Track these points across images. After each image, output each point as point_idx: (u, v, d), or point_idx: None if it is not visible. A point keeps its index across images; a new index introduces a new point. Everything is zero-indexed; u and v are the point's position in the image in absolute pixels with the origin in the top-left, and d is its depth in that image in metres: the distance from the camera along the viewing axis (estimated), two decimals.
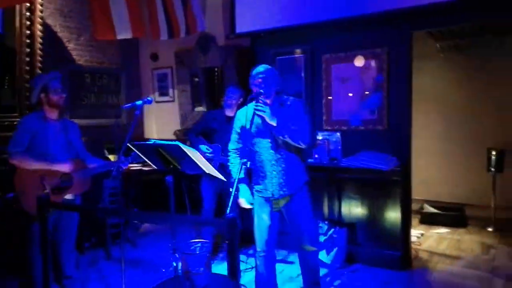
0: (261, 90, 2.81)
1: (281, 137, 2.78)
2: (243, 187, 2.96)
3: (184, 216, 3.87)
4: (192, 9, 4.98)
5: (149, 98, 3.26)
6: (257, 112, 2.72)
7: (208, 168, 2.77)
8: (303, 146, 2.79)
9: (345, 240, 3.93)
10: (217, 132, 4.02)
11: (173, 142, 2.66)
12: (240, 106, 3.96)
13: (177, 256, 2.40)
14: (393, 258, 3.79)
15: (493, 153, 4.81)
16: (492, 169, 4.82)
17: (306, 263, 3.05)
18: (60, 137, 3.21)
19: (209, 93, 6.14)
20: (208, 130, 4.08)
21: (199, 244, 1.83)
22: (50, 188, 3.04)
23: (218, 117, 4.09)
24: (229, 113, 4.03)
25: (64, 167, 3.10)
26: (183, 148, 2.58)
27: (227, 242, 1.90)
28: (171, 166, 2.81)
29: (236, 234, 2.08)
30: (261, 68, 2.90)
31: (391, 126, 3.98)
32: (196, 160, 2.66)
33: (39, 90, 3.17)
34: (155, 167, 3.03)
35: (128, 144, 2.86)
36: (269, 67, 2.92)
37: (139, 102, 3.20)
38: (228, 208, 2.43)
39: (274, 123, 2.73)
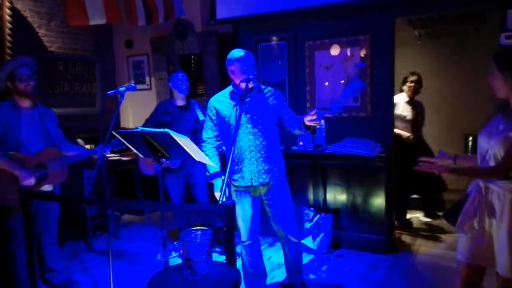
0: (250, 76, 2.77)
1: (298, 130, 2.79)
2: (219, 181, 2.87)
3: (180, 204, 3.80)
4: None
5: (132, 85, 3.17)
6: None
7: (198, 155, 2.70)
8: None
9: (331, 226, 3.96)
10: (172, 124, 3.80)
11: (162, 129, 2.58)
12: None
13: (175, 244, 2.34)
14: (378, 242, 3.85)
15: (470, 139, 4.91)
16: (469, 155, 4.94)
17: (289, 254, 3.04)
18: (35, 125, 3.07)
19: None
20: (161, 124, 3.82)
21: (199, 232, 1.79)
22: None
23: (170, 108, 3.91)
24: (180, 102, 3.92)
25: (25, 180, 2.83)
26: (173, 135, 2.50)
27: (224, 229, 1.87)
28: (159, 154, 2.72)
29: (234, 221, 2.05)
30: (241, 52, 2.83)
31: (374, 112, 4.01)
32: (186, 148, 2.58)
33: (4, 77, 3.01)
34: (141, 156, 2.94)
35: (113, 132, 2.75)
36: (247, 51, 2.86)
37: (122, 89, 3.10)
38: (222, 196, 2.38)
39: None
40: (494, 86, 2.04)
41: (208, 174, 2.91)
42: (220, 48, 5.16)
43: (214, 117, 2.91)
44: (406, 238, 4.26)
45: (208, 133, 2.95)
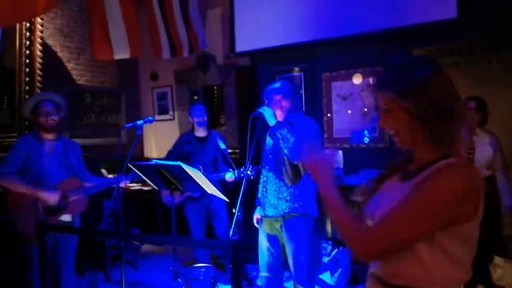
0: (261, 110, 2.75)
1: (272, 137, 2.66)
2: (257, 210, 2.93)
3: (186, 238, 3.81)
4: (194, 28, 5.00)
5: (150, 118, 3.25)
6: (259, 110, 2.67)
7: (210, 188, 2.72)
8: (291, 156, 2.61)
9: (349, 260, 3.86)
10: (192, 154, 3.93)
11: (175, 162, 2.63)
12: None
13: (179, 280, 2.34)
14: None
15: None
16: None
17: None
18: (57, 157, 3.16)
19: (208, 112, 6.13)
20: (183, 154, 3.95)
21: (203, 269, 1.79)
22: (44, 209, 2.99)
23: (191, 139, 4.03)
24: (200, 133, 4.01)
25: (50, 198, 2.97)
26: (185, 168, 2.54)
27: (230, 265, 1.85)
28: (173, 187, 2.77)
29: (240, 257, 2.03)
30: (269, 86, 2.85)
31: (393, 143, 3.94)
32: (198, 181, 2.62)
33: (29, 111, 3.14)
34: (156, 188, 2.99)
35: (128, 164, 2.82)
36: (278, 85, 2.84)
37: (140, 122, 3.19)
38: (231, 230, 2.38)
39: (271, 123, 2.64)
40: (397, 130, 1.24)
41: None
42: (239, 80, 5.25)
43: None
44: None
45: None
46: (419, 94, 1.15)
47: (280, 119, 2.76)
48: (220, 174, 3.68)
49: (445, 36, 3.72)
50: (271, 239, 2.86)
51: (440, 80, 1.18)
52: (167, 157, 4.05)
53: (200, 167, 3.81)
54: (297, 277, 2.78)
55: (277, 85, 2.84)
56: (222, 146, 3.89)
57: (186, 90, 6.01)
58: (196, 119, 3.96)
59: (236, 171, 3.59)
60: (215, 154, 3.94)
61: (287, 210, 2.73)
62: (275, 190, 2.76)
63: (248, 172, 3.04)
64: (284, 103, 2.77)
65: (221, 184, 3.77)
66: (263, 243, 2.88)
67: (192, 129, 4.09)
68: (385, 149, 3.97)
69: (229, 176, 3.62)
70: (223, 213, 3.94)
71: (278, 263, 2.90)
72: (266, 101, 2.79)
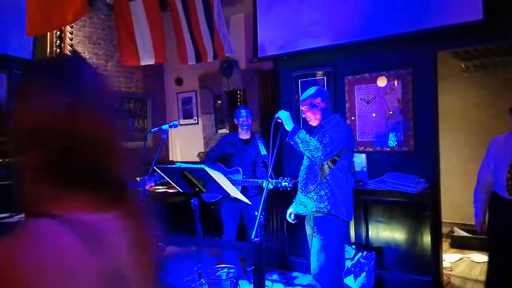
0: (278, 114, 2.80)
1: (291, 142, 2.75)
2: (293, 204, 3.04)
3: (210, 239, 3.87)
4: (219, 34, 5.07)
5: (175, 123, 3.32)
6: (276, 115, 2.80)
7: (233, 191, 2.76)
8: (313, 158, 2.68)
9: (373, 264, 3.83)
10: (235, 156, 4.00)
11: (199, 165, 2.69)
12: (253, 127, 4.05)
13: (203, 281, 2.38)
14: (424, 283, 3.66)
15: None
16: None
17: None
18: None
19: (232, 115, 6.20)
20: (224, 155, 4.06)
21: (225, 270, 1.82)
22: None
23: (235, 140, 4.09)
24: (244, 135, 4.06)
25: None
26: (208, 171, 2.59)
27: (252, 266, 1.88)
28: (197, 189, 2.83)
29: (262, 259, 2.06)
30: (305, 93, 2.95)
31: (418, 147, 3.91)
32: (221, 183, 2.66)
33: None
34: (181, 190, 3.05)
35: (154, 167, 2.90)
36: (315, 88, 2.95)
37: (165, 126, 3.26)
38: (254, 233, 2.41)
39: (289, 128, 2.73)
40: None
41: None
42: (261, 84, 5.29)
43: None
44: (455, 280, 4.02)
45: None
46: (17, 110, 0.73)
47: (317, 121, 2.86)
48: (258, 181, 3.72)
49: (471, 38, 3.66)
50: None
51: (52, 88, 0.71)
52: (209, 156, 4.17)
53: (240, 169, 3.88)
54: (319, 281, 2.78)
55: (314, 89, 2.94)
56: (263, 151, 3.91)
57: (210, 95, 6.08)
58: (240, 121, 4.03)
59: (274, 180, 3.41)
60: (254, 158, 4.00)
61: (313, 209, 2.80)
62: (305, 189, 2.82)
63: (285, 183, 3.15)
64: (323, 105, 2.87)
65: (258, 189, 3.90)
66: (309, 242, 2.95)
67: (236, 131, 4.19)
68: (409, 152, 3.93)
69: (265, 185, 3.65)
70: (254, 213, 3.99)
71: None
72: (306, 107, 2.88)
